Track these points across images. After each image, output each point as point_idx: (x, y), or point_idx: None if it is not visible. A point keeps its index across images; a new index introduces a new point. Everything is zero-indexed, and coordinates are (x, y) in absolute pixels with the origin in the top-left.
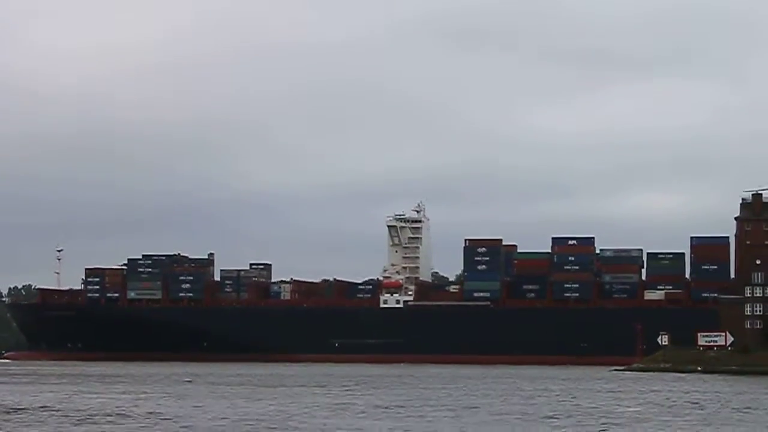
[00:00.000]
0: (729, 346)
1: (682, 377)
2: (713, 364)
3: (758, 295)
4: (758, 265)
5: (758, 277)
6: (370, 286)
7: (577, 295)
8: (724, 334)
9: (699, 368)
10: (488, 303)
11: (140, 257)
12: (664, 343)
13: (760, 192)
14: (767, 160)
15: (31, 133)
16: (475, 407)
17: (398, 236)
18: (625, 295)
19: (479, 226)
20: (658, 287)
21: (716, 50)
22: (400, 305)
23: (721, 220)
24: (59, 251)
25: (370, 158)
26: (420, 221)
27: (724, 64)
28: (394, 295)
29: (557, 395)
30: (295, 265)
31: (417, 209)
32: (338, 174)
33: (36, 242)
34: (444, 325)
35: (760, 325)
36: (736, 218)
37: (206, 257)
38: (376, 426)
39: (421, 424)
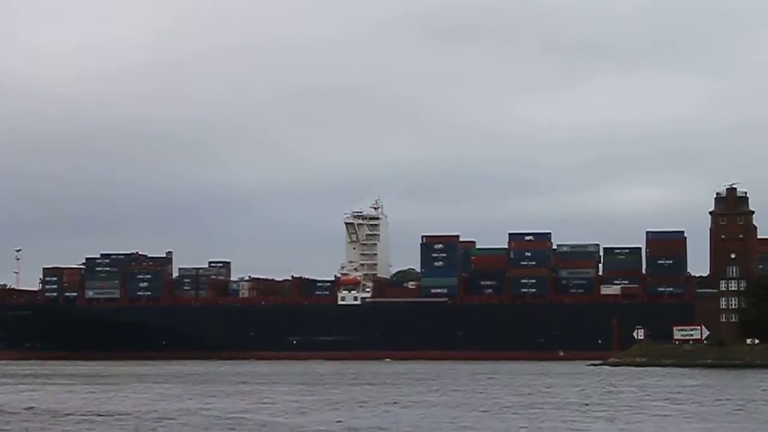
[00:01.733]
0: (705, 339)
1: (660, 371)
2: (689, 357)
3: (733, 288)
4: (733, 259)
5: (733, 271)
6: (329, 284)
7: (534, 290)
8: (699, 327)
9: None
10: (445, 299)
11: (98, 256)
12: (639, 338)
13: (734, 186)
14: (751, 152)
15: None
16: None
17: (356, 233)
18: (582, 291)
19: (452, 223)
20: (615, 282)
21: (701, 42)
22: (358, 302)
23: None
24: (18, 251)
25: (351, 154)
26: (378, 218)
27: (709, 55)
28: (352, 292)
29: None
30: (258, 262)
31: (375, 206)
32: (312, 170)
33: None
34: (401, 322)
35: (735, 318)
36: (710, 212)
37: (164, 256)
38: None
39: None
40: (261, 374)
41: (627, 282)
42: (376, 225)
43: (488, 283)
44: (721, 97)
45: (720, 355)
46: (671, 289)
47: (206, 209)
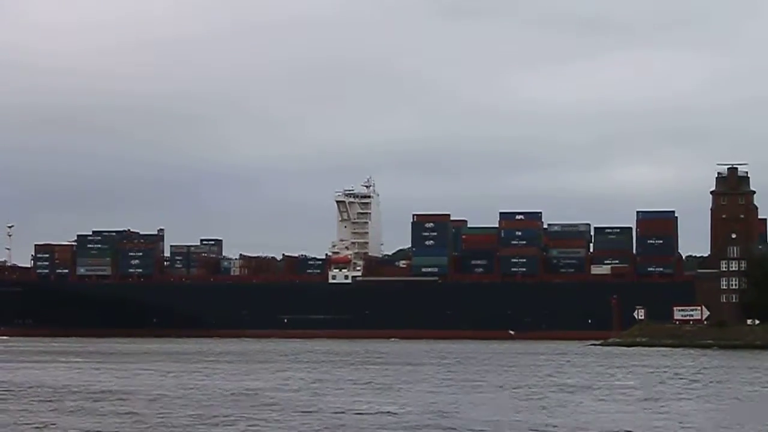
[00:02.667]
0: (705, 320)
1: (662, 351)
2: (689, 338)
3: (734, 269)
4: (734, 239)
5: (734, 251)
6: (320, 262)
7: (524, 269)
8: (700, 308)
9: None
10: (436, 278)
11: (90, 233)
12: (639, 318)
13: (735, 166)
14: (752, 130)
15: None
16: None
17: (347, 211)
18: (573, 270)
19: (448, 201)
20: (605, 262)
21: (705, 18)
22: (349, 281)
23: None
24: (10, 227)
25: (352, 131)
26: (369, 196)
27: (713, 31)
28: (343, 270)
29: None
30: (251, 240)
31: (366, 184)
32: (308, 147)
33: None
34: (392, 301)
35: (735, 299)
36: (711, 192)
37: (156, 233)
38: None
39: None
40: (282, 351)
41: (617, 262)
42: (367, 203)
43: (479, 262)
44: (721, 74)
45: (720, 335)
46: (661, 268)
47: (200, 186)
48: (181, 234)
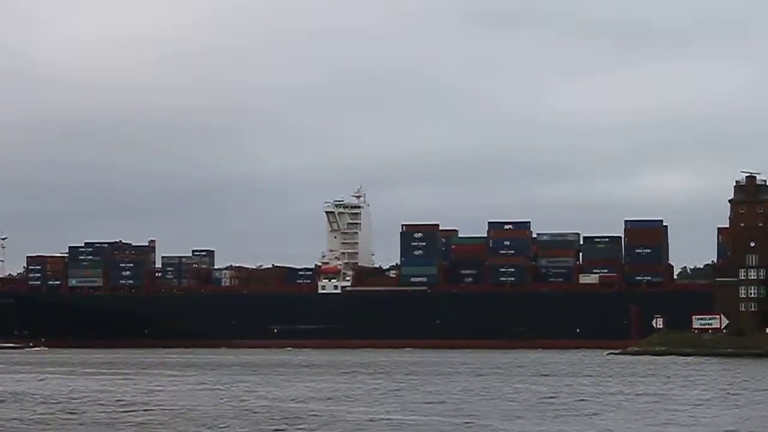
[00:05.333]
0: (724, 328)
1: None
2: (708, 346)
3: (753, 277)
4: (752, 247)
5: (752, 259)
6: (310, 272)
7: (513, 279)
8: (718, 316)
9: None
10: (425, 288)
11: (82, 245)
12: (658, 326)
13: (754, 174)
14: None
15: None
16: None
17: (336, 222)
18: (561, 279)
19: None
20: (594, 271)
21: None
22: (338, 291)
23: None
24: (2, 239)
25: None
26: (359, 207)
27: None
28: (332, 280)
29: None
30: (243, 251)
31: (357, 194)
32: (346, 158)
33: None
34: (382, 311)
35: (754, 307)
36: (730, 201)
37: (147, 244)
38: None
39: None
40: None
41: (606, 271)
42: (357, 213)
43: (468, 271)
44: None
45: (740, 344)
46: (649, 277)
47: (225, 199)
48: (172, 245)
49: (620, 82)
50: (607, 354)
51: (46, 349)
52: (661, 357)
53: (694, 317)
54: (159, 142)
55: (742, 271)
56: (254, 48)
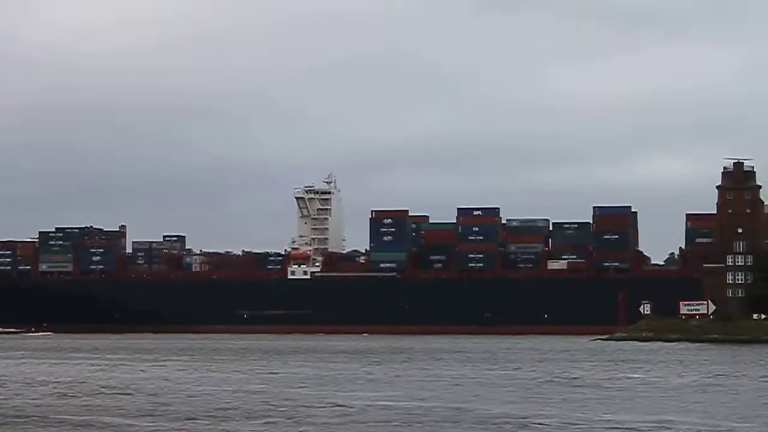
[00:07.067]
0: (711, 314)
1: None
2: (696, 332)
3: (740, 263)
4: (740, 233)
5: (740, 245)
6: (280, 258)
7: (481, 265)
8: (706, 302)
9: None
10: (394, 274)
11: (53, 230)
12: (646, 312)
13: (741, 161)
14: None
15: None
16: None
17: (306, 208)
18: (530, 265)
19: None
20: (562, 257)
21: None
22: (308, 276)
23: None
24: None
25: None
26: (329, 192)
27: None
28: (302, 266)
29: None
30: (214, 237)
31: (327, 180)
32: (345, 143)
33: None
34: (351, 296)
35: (741, 293)
36: (717, 187)
37: (117, 230)
38: None
39: None
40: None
41: (574, 257)
42: (327, 199)
43: (437, 257)
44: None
45: (727, 330)
46: (617, 263)
47: (224, 187)
48: (144, 231)
49: (620, 66)
50: (593, 340)
51: (15, 333)
52: (648, 343)
53: (681, 303)
54: (139, 127)
55: (730, 257)
56: (255, 33)
